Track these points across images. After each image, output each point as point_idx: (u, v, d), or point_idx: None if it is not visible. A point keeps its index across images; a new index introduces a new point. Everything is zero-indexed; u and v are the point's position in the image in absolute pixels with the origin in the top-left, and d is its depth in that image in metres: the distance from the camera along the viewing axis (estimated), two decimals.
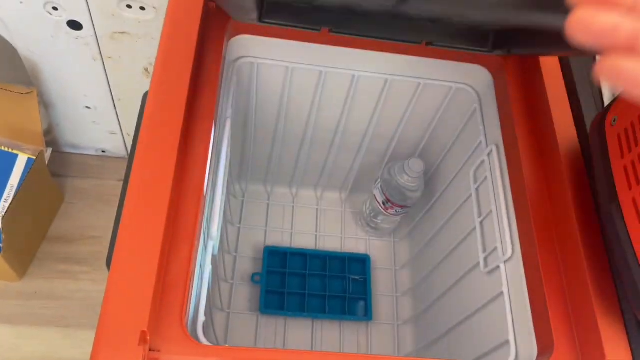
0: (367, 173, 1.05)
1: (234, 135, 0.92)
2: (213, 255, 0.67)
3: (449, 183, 0.91)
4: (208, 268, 0.63)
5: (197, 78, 0.67)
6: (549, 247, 0.63)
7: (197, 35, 0.66)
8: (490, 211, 0.74)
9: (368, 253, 1.07)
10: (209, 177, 0.64)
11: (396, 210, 0.97)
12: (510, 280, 0.68)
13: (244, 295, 0.99)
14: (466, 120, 0.85)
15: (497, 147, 0.75)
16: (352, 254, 1.05)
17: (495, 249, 0.71)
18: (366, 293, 1.00)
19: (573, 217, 0.62)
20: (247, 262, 1.02)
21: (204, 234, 0.64)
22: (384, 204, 0.97)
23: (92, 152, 1.15)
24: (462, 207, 0.85)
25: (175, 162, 0.58)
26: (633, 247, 0.53)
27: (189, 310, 0.57)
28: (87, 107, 1.00)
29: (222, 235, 0.94)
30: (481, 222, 0.77)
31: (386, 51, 0.79)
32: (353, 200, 1.12)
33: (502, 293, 0.68)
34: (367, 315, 0.98)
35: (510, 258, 0.68)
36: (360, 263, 1.04)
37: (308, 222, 1.09)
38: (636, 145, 0.53)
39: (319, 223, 1.09)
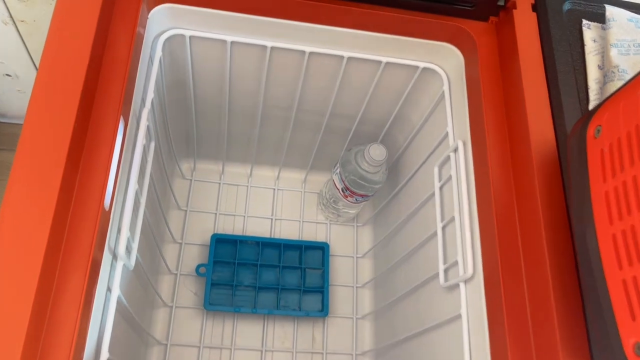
0: (328, 151, 0.94)
1: (174, 110, 0.81)
2: (130, 270, 0.57)
3: (414, 172, 0.81)
4: (116, 293, 0.53)
5: (100, 61, 0.55)
6: (514, 270, 0.54)
7: (101, 6, 0.54)
8: (453, 217, 0.64)
9: (327, 240, 0.98)
10: (115, 184, 0.53)
11: (356, 199, 0.87)
12: (469, 302, 0.59)
13: (189, 288, 0.91)
14: (434, 104, 0.74)
15: (464, 143, 0.64)
16: (310, 242, 0.96)
17: (456, 262, 0.62)
18: (323, 285, 0.92)
19: (542, 236, 0.53)
20: (193, 252, 0.93)
21: (111, 252, 0.54)
22: (343, 191, 0.87)
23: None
24: (427, 203, 0.75)
25: (61, 173, 0.47)
26: (607, 289, 0.44)
27: (85, 351, 0.48)
28: (7, 75, 0.88)
29: (163, 223, 0.85)
30: (443, 228, 0.68)
31: (343, 25, 0.67)
32: (314, 180, 1.02)
33: (459, 315, 0.60)
34: (324, 310, 0.90)
35: (471, 278, 0.59)
36: (318, 252, 0.96)
37: (264, 205, 0.99)
38: (622, 170, 0.43)
39: (275, 206, 0.99)
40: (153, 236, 0.78)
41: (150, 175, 0.65)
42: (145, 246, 0.74)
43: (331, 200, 0.93)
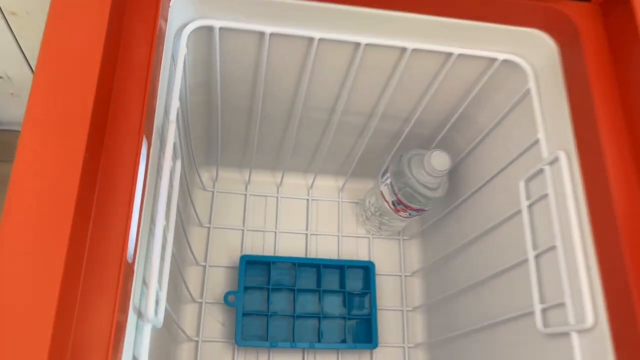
0: (372, 156, 0.82)
1: (195, 114, 0.68)
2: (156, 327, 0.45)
3: (483, 184, 0.68)
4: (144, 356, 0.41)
5: (114, 64, 0.42)
6: None
7: None
8: (553, 246, 0.52)
9: (370, 257, 0.86)
10: (139, 226, 0.41)
11: (409, 213, 0.75)
12: None
13: (216, 319, 0.79)
14: (513, 104, 0.61)
15: (568, 155, 0.52)
16: (352, 261, 0.83)
17: (561, 304, 0.50)
18: (370, 312, 0.80)
19: None
20: (219, 275, 0.81)
21: (136, 312, 0.42)
22: (394, 204, 0.74)
23: (18, 128, 0.91)
24: (505, 224, 0.63)
25: (71, 219, 0.35)
26: None
27: None
28: None
29: (185, 243, 0.72)
30: (536, 257, 0.55)
31: (406, 10, 0.54)
32: (352, 188, 0.90)
33: None
34: (372, 341, 0.78)
35: (590, 329, 0.47)
36: (361, 271, 0.83)
37: (297, 218, 0.87)
38: None
39: (310, 219, 0.87)
40: (175, 262, 0.65)
41: (178, 206, 0.53)
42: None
43: (377, 214, 0.81)
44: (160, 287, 0.47)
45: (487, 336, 0.65)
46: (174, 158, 0.52)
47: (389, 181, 0.73)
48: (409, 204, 0.72)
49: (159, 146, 0.48)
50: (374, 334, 0.79)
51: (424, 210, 0.74)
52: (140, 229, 0.42)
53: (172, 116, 0.48)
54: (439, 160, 0.67)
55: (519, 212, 0.59)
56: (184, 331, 0.75)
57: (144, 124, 0.42)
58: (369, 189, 0.86)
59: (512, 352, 0.60)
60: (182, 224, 0.65)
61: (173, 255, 0.57)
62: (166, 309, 0.56)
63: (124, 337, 0.40)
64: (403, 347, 0.82)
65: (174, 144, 0.50)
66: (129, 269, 0.40)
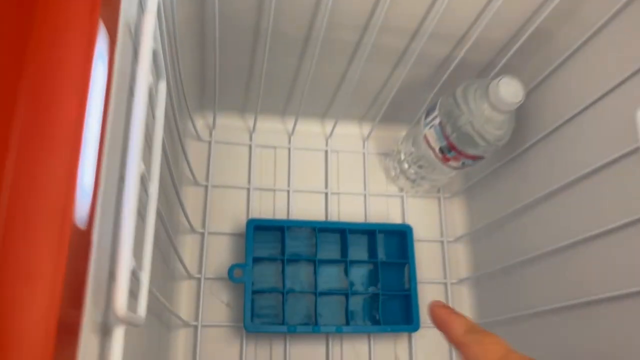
0: (409, 94, 0.65)
1: (185, 39, 0.51)
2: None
3: (565, 121, 0.52)
4: None
5: None
6: None
7: None
8: None
9: (404, 219, 0.71)
10: (97, 175, 0.25)
11: (463, 163, 0.59)
12: None
13: (218, 297, 0.64)
14: (614, 13, 0.45)
15: None
16: (385, 225, 0.68)
17: None
18: (410, 287, 0.65)
19: None
20: (221, 245, 0.65)
21: (100, 302, 0.26)
22: (442, 152, 0.58)
23: None
24: (604, 172, 0.47)
25: None
26: None
27: None
28: None
29: (174, 204, 0.56)
30: None
31: None
32: (381, 137, 0.74)
33: None
34: (412, 322, 0.63)
35: None
36: (396, 237, 0.68)
37: (313, 174, 0.71)
38: None
39: (329, 174, 0.71)
40: (164, 228, 0.50)
41: (163, 143, 0.36)
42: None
43: (415, 165, 0.65)
44: (140, 266, 0.31)
45: (572, 319, 0.50)
46: (156, 75, 0.36)
47: (437, 121, 0.57)
48: (463, 149, 0.56)
49: (131, 54, 0.32)
50: (414, 313, 0.64)
51: (482, 158, 0.58)
52: (102, 176, 0.26)
53: (152, 5, 0.31)
54: (510, 90, 0.51)
55: (631, 152, 0.43)
56: (178, 316, 0.59)
57: (101, 3, 0.26)
58: (402, 136, 0.70)
59: (615, 341, 0.45)
60: (173, 179, 0.49)
61: (160, 218, 0.41)
62: (152, 291, 0.41)
63: (77, 348, 0.24)
64: None
65: (155, 53, 0.33)
66: (82, 240, 0.24)
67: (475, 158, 0.57)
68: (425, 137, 0.60)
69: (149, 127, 0.35)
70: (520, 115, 0.58)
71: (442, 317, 0.36)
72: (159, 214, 0.40)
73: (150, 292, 0.44)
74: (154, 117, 0.35)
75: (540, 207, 0.56)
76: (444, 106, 0.56)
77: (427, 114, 0.60)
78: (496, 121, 0.53)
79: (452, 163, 0.59)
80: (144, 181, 0.31)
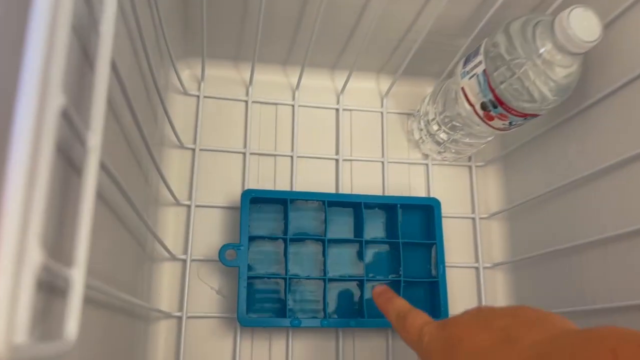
0: (439, 40, 0.54)
1: None
2: None
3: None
4: None
5: None
6: None
7: None
8: None
9: (429, 191, 0.59)
10: None
11: (510, 122, 0.48)
12: None
13: (207, 283, 0.53)
14: None
15: None
16: (407, 198, 0.57)
17: None
18: (437, 271, 0.54)
19: None
20: (211, 221, 0.54)
21: None
22: (485, 107, 0.47)
23: None
24: None
25: None
26: None
27: None
28: None
29: (149, 169, 0.45)
30: None
31: None
32: (403, 93, 0.62)
33: None
34: (440, 312, 0.53)
35: None
36: (420, 214, 0.57)
37: (322, 137, 0.59)
38: None
39: (341, 137, 0.59)
40: (127, 200, 0.39)
41: (117, 76, 0.25)
42: (116, 219, 0.36)
43: (447, 126, 0.53)
44: (72, 260, 0.20)
45: None
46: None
47: (480, 69, 0.46)
48: (514, 105, 0.45)
49: None
50: (442, 303, 0.53)
51: (535, 116, 0.46)
52: None
53: None
54: (583, 24, 0.39)
55: None
56: (159, 310, 0.49)
57: None
58: (428, 92, 0.58)
59: None
60: (143, 137, 0.37)
61: (117, 185, 0.30)
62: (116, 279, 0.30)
63: None
64: None
65: None
66: None
67: (527, 116, 0.46)
68: (462, 90, 0.48)
69: (83, 44, 0.23)
70: (586, 63, 0.46)
71: (381, 306, 0.42)
72: (113, 179, 0.28)
73: (113, 280, 0.34)
74: (97, 33, 0.23)
75: (600, 181, 0.45)
76: (491, 49, 0.44)
77: (466, 62, 0.48)
78: (561, 67, 0.42)
79: (496, 122, 0.48)
80: (71, 124, 0.20)
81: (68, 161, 0.24)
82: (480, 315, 0.33)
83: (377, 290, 0.42)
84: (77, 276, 0.21)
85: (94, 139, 0.22)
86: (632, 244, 0.42)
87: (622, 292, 0.42)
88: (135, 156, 0.40)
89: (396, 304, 0.40)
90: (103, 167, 0.26)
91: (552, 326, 0.29)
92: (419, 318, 0.37)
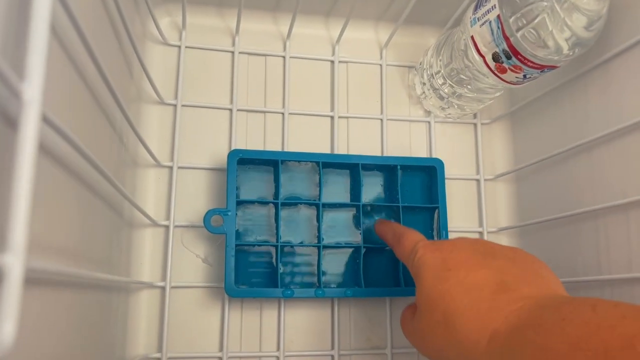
0: None
1: None
2: None
3: None
4: None
5: None
6: None
7: None
8: None
9: (431, 151, 0.55)
10: None
11: (524, 75, 0.43)
12: None
13: (192, 250, 0.49)
14: None
15: None
16: (408, 159, 0.52)
17: None
18: (439, 238, 0.51)
19: None
20: (195, 183, 0.50)
21: None
22: (497, 58, 0.42)
23: None
24: None
25: None
26: None
27: None
28: None
29: (122, 127, 0.40)
30: None
31: None
32: (404, 44, 0.57)
33: None
34: None
35: None
36: (422, 175, 0.53)
37: (315, 91, 0.54)
38: None
39: (336, 92, 0.54)
40: (93, 164, 0.35)
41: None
42: (88, 179, 0.32)
43: (454, 79, 0.49)
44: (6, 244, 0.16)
45: None
46: None
47: (493, 15, 0.41)
48: (530, 55, 0.40)
49: None
50: None
51: (553, 68, 0.42)
52: None
53: None
54: None
55: None
56: (139, 282, 0.45)
57: None
58: (432, 43, 0.53)
59: None
60: (113, 93, 0.32)
61: (74, 146, 0.25)
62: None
63: None
64: None
65: None
66: None
67: (545, 68, 0.41)
68: (472, 39, 0.43)
69: None
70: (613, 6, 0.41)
71: (379, 231, 0.45)
72: (70, 142, 0.24)
73: (83, 254, 0.29)
74: None
75: (623, 140, 0.41)
76: None
77: (477, 7, 0.43)
78: (586, 12, 0.37)
79: (509, 75, 0.43)
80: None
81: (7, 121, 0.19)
82: (478, 248, 0.35)
83: (378, 221, 0.46)
84: (14, 264, 0.16)
85: (31, 90, 0.17)
86: None
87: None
88: (104, 113, 0.35)
89: (394, 225, 0.43)
90: (52, 125, 0.21)
91: (546, 286, 0.32)
92: (416, 235, 0.39)
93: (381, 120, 0.55)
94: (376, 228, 0.45)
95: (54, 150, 0.25)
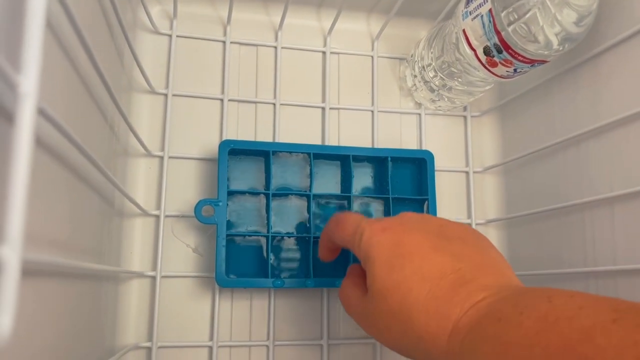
0: None
1: None
2: None
3: None
4: None
5: None
6: None
7: None
8: None
9: (421, 143, 0.56)
10: None
11: (515, 69, 0.43)
12: None
13: (182, 240, 0.49)
14: None
15: None
16: (399, 150, 0.53)
17: None
18: None
19: None
20: (186, 174, 0.50)
21: None
22: (488, 52, 0.43)
23: None
24: None
25: None
26: None
27: None
28: None
29: (118, 120, 0.40)
30: None
31: None
32: (395, 36, 0.57)
33: None
34: None
35: None
36: (412, 167, 0.53)
37: (306, 83, 0.55)
38: None
39: (328, 84, 0.54)
40: (84, 154, 0.34)
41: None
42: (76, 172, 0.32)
43: (445, 72, 0.49)
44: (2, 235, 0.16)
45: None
46: None
47: (485, 9, 0.41)
48: (521, 49, 0.40)
49: None
50: None
51: (543, 62, 0.42)
52: None
53: None
54: None
55: None
56: (128, 271, 0.45)
57: None
58: (423, 36, 0.54)
59: None
60: (105, 83, 0.32)
61: (67, 136, 0.25)
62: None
63: None
64: None
65: None
66: None
67: (535, 62, 0.42)
68: (463, 32, 0.44)
69: None
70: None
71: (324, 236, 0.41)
72: (63, 132, 0.24)
73: (72, 245, 0.30)
74: None
75: (611, 135, 0.41)
76: None
77: (469, 1, 0.43)
78: (576, 7, 0.37)
79: (500, 69, 0.44)
80: None
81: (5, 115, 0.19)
82: (429, 228, 0.33)
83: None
84: (12, 257, 0.16)
85: (27, 83, 0.17)
86: (634, 205, 0.39)
87: (628, 255, 0.40)
88: (96, 103, 0.35)
89: (334, 216, 0.39)
90: (48, 118, 0.21)
91: (501, 274, 0.31)
92: (355, 215, 0.37)
93: (372, 112, 0.55)
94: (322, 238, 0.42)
95: (47, 142, 0.25)
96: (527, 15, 0.39)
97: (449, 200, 0.55)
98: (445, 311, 0.29)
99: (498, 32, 0.41)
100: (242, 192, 0.49)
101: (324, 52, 0.55)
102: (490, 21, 0.41)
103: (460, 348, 0.28)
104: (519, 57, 0.41)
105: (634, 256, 0.39)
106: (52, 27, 0.25)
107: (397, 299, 0.31)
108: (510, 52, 0.41)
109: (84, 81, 0.31)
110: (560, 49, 0.40)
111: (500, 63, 0.43)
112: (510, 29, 0.40)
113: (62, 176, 0.28)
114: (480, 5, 0.41)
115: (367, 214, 0.52)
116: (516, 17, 0.39)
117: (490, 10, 0.40)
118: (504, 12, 0.40)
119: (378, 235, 0.33)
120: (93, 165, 0.30)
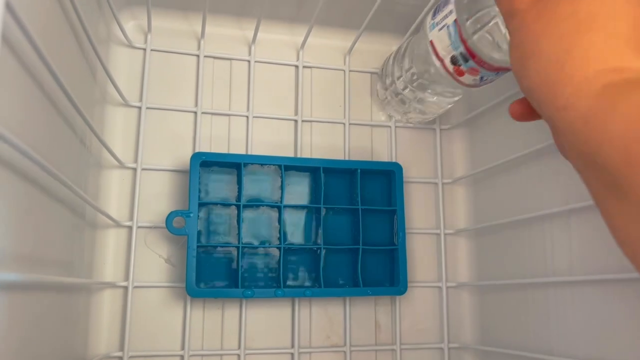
0: None
1: None
2: None
3: None
4: None
5: None
6: None
7: None
8: None
9: (393, 156, 0.57)
10: None
11: (481, 77, 0.45)
12: None
13: (154, 251, 0.50)
14: None
15: None
16: (368, 162, 0.54)
17: None
18: (397, 240, 0.52)
19: None
20: (158, 185, 0.51)
21: None
22: (455, 61, 0.44)
23: None
24: None
25: None
26: None
27: None
28: None
29: (88, 132, 0.41)
30: None
31: None
32: (367, 51, 0.58)
33: None
34: (398, 283, 0.51)
35: None
36: (382, 179, 0.54)
37: (279, 96, 0.56)
38: None
39: (301, 97, 0.56)
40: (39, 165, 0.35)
41: None
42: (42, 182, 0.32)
43: (414, 84, 0.50)
44: None
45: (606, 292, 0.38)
46: None
47: (450, 20, 0.42)
48: (486, 57, 0.42)
49: None
50: (400, 273, 0.51)
51: (507, 70, 0.43)
52: None
53: None
54: None
55: None
56: (100, 282, 0.45)
57: None
58: (393, 50, 0.55)
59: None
60: (67, 95, 0.33)
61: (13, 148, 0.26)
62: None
63: None
64: (440, 287, 0.55)
65: None
66: None
67: (500, 70, 0.43)
68: (431, 43, 0.45)
69: None
70: None
71: None
72: (17, 149, 0.25)
73: (39, 257, 0.30)
74: None
75: None
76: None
77: (436, 12, 0.45)
78: None
79: (467, 78, 0.45)
80: None
81: None
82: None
83: None
84: None
85: None
86: (595, 217, 0.40)
87: (582, 265, 0.41)
88: (63, 117, 0.36)
89: None
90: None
91: None
92: None
93: (344, 124, 0.56)
94: None
95: (3, 157, 0.26)
96: (490, 24, 0.40)
97: (420, 210, 0.56)
98: (620, 49, 0.23)
99: (464, 41, 0.42)
100: (214, 203, 0.49)
101: (296, 66, 0.56)
102: (455, 31, 0.42)
103: (613, 96, 0.22)
104: (485, 65, 0.43)
105: (588, 267, 0.40)
106: (9, 42, 0.25)
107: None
108: (476, 60, 0.42)
109: (49, 95, 0.32)
110: None
111: (467, 72, 0.44)
112: (475, 37, 0.41)
113: (22, 191, 0.29)
114: (446, 16, 0.43)
115: (338, 224, 0.52)
116: (479, 26, 0.41)
117: (455, 21, 0.42)
118: (469, 22, 0.41)
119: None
120: (56, 179, 0.31)
